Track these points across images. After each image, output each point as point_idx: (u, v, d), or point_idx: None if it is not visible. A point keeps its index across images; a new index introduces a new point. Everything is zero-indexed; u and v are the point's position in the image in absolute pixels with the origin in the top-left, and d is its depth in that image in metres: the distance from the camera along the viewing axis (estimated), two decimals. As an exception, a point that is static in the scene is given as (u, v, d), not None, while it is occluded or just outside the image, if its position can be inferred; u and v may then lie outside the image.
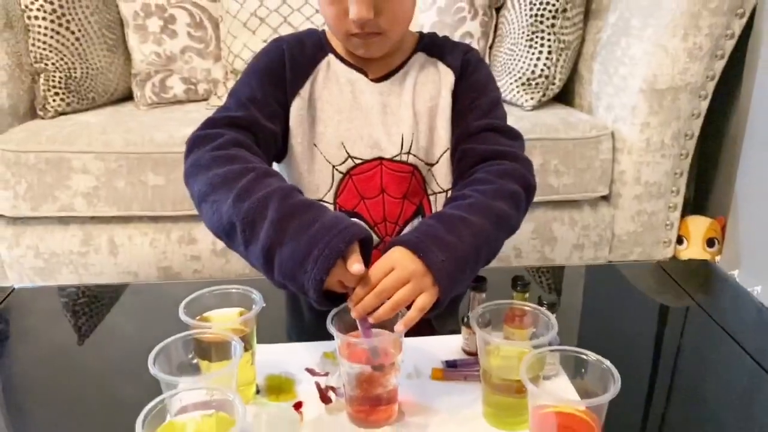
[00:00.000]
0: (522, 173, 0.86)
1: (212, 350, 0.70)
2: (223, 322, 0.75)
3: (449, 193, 0.96)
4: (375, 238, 0.72)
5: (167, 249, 1.71)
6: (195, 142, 0.82)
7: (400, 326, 0.68)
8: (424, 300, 0.69)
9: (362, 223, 0.86)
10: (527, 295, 0.80)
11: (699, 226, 1.89)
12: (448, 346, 0.84)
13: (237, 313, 0.76)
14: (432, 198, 0.98)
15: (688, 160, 1.81)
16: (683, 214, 1.89)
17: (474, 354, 0.80)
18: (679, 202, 1.84)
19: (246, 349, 0.70)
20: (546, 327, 0.71)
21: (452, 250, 0.71)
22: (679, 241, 1.90)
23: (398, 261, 0.70)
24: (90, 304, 1.01)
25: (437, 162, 0.96)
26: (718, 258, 1.88)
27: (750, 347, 0.84)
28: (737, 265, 1.79)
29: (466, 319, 0.81)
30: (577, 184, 1.77)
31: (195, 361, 0.70)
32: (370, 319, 0.68)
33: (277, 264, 0.69)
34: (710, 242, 1.89)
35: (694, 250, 1.87)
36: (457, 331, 0.84)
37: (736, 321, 0.94)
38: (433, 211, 0.97)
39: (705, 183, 2.08)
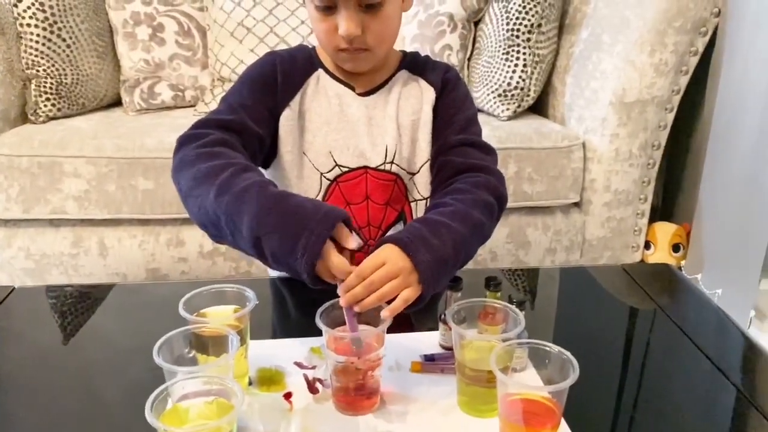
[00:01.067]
0: (495, 185, 0.92)
1: (210, 344, 0.74)
2: (219, 318, 0.78)
3: (428, 200, 1.01)
4: (359, 241, 0.78)
5: (156, 251, 1.74)
6: (183, 141, 0.86)
7: (386, 312, 0.73)
8: (409, 294, 0.74)
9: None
10: (499, 294, 0.85)
11: (665, 232, 1.95)
12: (426, 341, 0.88)
13: (232, 310, 0.78)
14: (413, 205, 1.03)
15: (655, 169, 1.88)
16: (651, 221, 1.96)
17: (450, 348, 0.83)
18: (646, 209, 1.91)
19: (240, 344, 0.72)
20: (514, 323, 0.76)
21: (436, 252, 0.77)
22: (647, 246, 1.96)
23: (389, 257, 0.74)
24: (81, 303, 1.02)
25: (418, 171, 1.01)
26: (683, 263, 1.95)
27: (705, 347, 0.90)
28: (700, 270, 1.86)
29: (443, 316, 0.84)
30: (549, 192, 1.83)
31: (192, 354, 0.74)
32: (356, 308, 0.73)
33: (268, 254, 0.74)
34: (676, 247, 1.95)
35: (660, 254, 1.94)
36: (435, 328, 0.88)
37: (694, 322, 0.99)
38: (414, 216, 1.03)
39: (671, 191, 2.15)
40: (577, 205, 1.90)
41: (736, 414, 0.80)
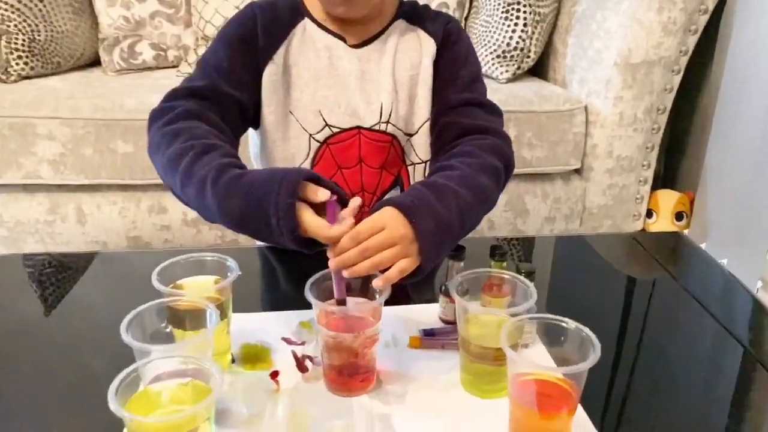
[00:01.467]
0: (503, 150, 0.86)
1: (186, 319, 0.68)
2: (197, 290, 0.73)
3: (428, 164, 0.95)
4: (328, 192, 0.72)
5: (137, 218, 1.69)
6: (152, 117, 0.82)
7: (378, 281, 0.67)
8: (406, 264, 0.68)
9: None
10: (505, 264, 0.80)
11: (668, 199, 1.91)
12: (425, 314, 0.83)
13: (212, 281, 0.73)
14: (410, 169, 0.97)
15: (660, 134, 1.82)
16: (653, 188, 1.91)
17: (451, 322, 0.79)
18: (649, 176, 1.86)
19: (221, 318, 0.68)
20: (524, 295, 0.70)
21: (440, 221, 0.71)
22: (649, 214, 1.92)
23: (389, 222, 0.68)
24: (60, 273, 0.99)
25: (417, 132, 0.95)
26: (686, 231, 1.92)
27: (720, 316, 0.86)
28: (704, 239, 1.83)
29: (443, 288, 0.80)
30: (550, 157, 1.78)
31: (169, 329, 0.69)
32: (345, 273, 0.68)
33: (250, 236, 0.72)
34: (678, 216, 1.91)
35: (662, 223, 1.90)
36: (433, 300, 0.84)
37: (708, 291, 0.95)
38: (412, 182, 0.97)
39: (675, 157, 2.10)
40: (577, 171, 1.86)
41: (751, 380, 0.78)
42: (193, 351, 0.62)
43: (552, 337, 0.66)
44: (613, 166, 1.81)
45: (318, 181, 0.69)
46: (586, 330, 0.63)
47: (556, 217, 1.85)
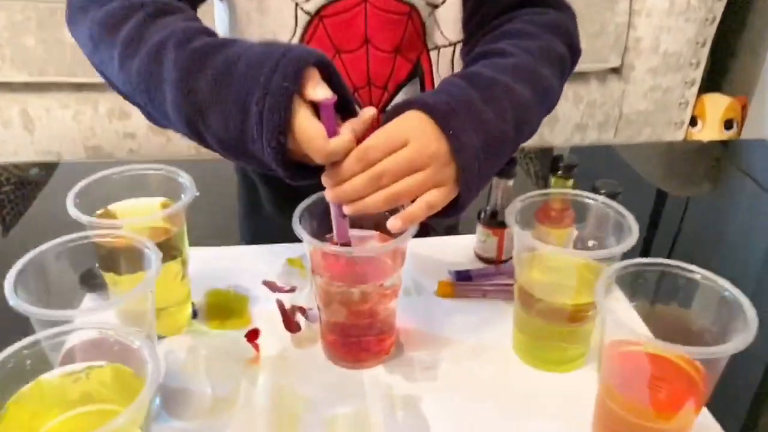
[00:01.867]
0: (569, 30, 0.70)
1: (121, 260, 0.53)
2: (136, 217, 0.59)
3: (458, 47, 0.78)
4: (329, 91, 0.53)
5: (95, 124, 1.55)
6: None
7: (396, 221, 0.50)
8: (437, 197, 0.51)
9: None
10: (571, 182, 0.63)
11: (716, 105, 1.75)
12: (456, 250, 0.69)
13: (157, 205, 0.59)
14: (433, 54, 0.79)
15: (715, 25, 1.64)
16: (698, 92, 1.74)
17: (492, 261, 0.67)
18: (697, 77, 1.69)
19: (172, 257, 0.56)
20: (618, 228, 0.52)
21: (489, 133, 0.53)
22: (692, 122, 1.77)
23: (417, 135, 0.51)
24: (19, 189, 0.89)
25: (444, 2, 0.77)
26: (734, 142, 1.75)
27: None
28: (758, 150, 1.66)
29: (482, 214, 0.66)
30: (587, 52, 1.56)
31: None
32: (348, 209, 0.50)
33: (213, 141, 0.52)
34: (728, 124, 1.75)
35: (709, 132, 1.75)
36: (455, 230, 0.73)
37: None
38: (436, 73, 0.80)
39: (723, 56, 1.90)
40: (616, 71, 1.69)
41: None
42: (121, 313, 0.46)
43: (667, 290, 0.47)
44: (657, 64, 1.64)
45: (328, 72, 0.50)
46: (728, 286, 0.43)
47: (588, 124, 1.70)
